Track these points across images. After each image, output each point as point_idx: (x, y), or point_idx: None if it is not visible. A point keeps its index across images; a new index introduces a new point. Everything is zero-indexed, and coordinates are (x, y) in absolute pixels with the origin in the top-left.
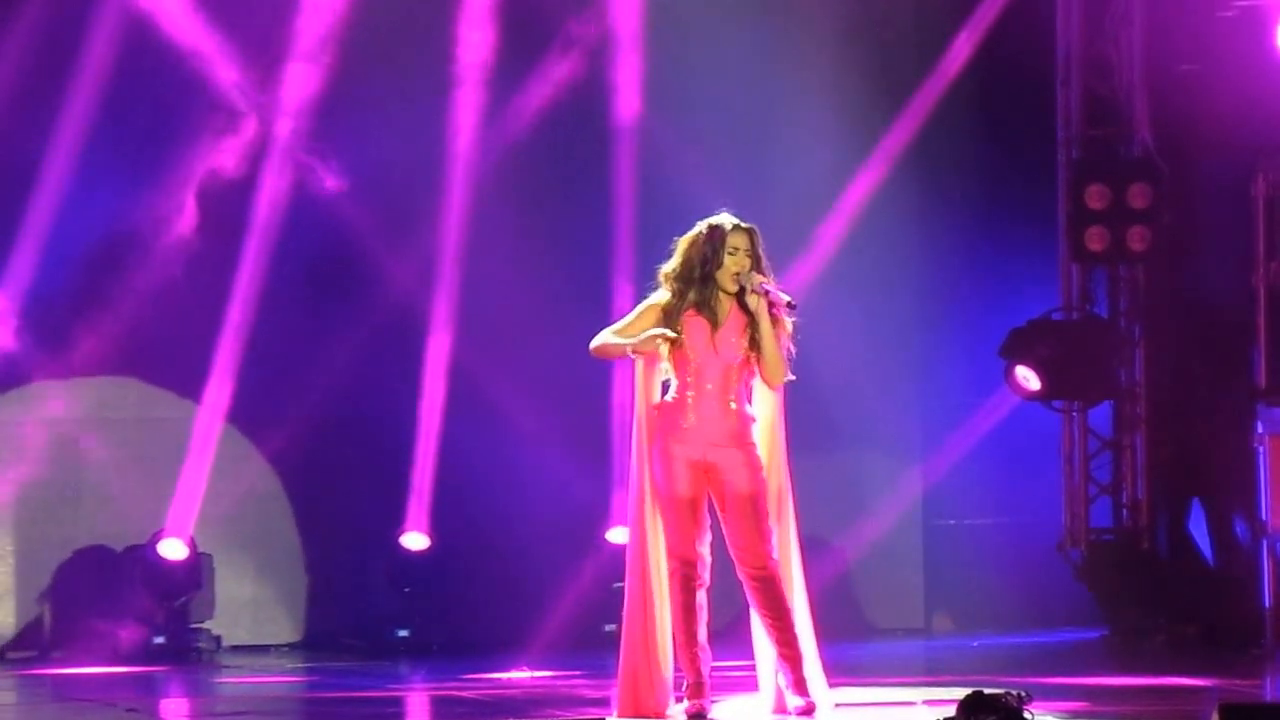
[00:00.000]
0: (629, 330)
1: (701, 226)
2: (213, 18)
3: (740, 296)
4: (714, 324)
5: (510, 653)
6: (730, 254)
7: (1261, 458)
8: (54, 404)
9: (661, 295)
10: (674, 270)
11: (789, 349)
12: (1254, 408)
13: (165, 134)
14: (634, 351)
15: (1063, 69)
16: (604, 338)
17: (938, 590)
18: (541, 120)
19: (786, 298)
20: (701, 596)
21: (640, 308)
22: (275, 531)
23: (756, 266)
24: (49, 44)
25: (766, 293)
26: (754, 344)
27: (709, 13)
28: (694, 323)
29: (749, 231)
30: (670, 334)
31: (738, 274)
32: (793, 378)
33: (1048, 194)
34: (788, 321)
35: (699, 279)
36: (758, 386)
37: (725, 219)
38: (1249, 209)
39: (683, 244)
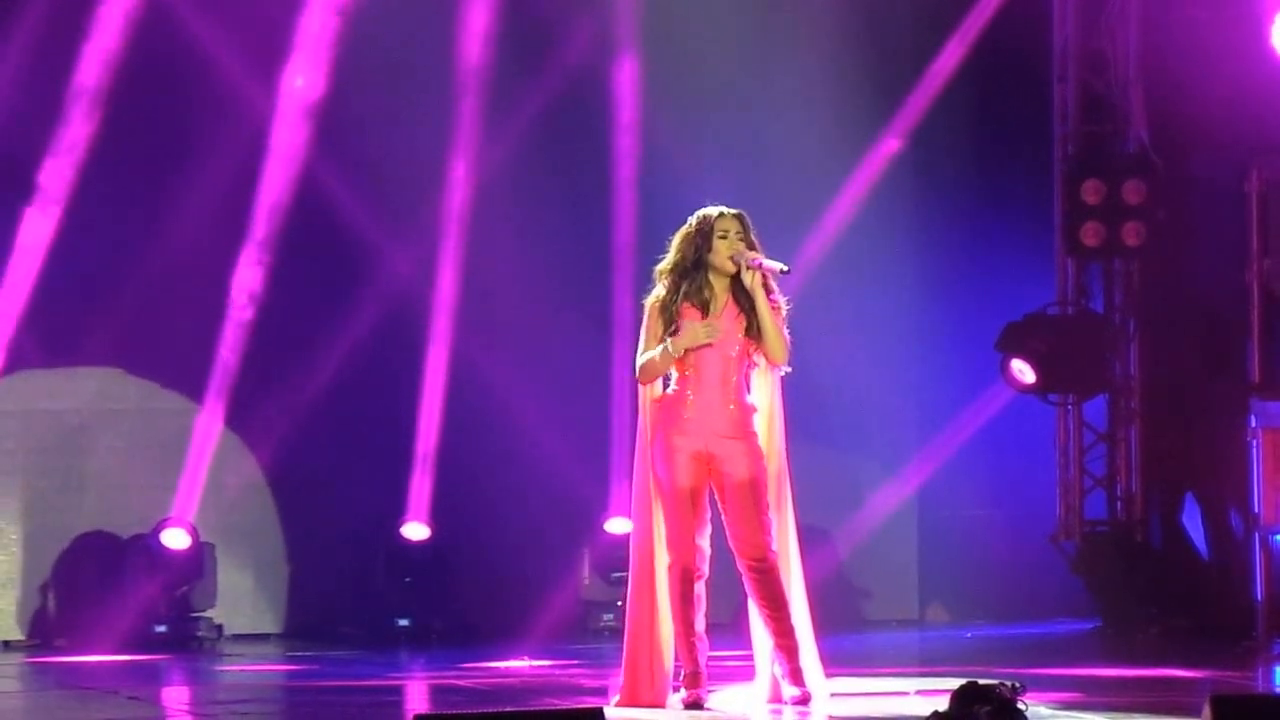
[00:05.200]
0: (649, 340)
1: (692, 219)
2: (216, 14)
3: (734, 284)
4: (706, 312)
5: (510, 642)
6: (721, 237)
7: (1254, 451)
8: (58, 393)
9: (658, 291)
10: (668, 265)
11: (785, 335)
12: (1247, 402)
13: (167, 127)
14: (674, 348)
15: (1059, 65)
16: (644, 361)
17: (932, 581)
18: (542, 116)
19: (780, 265)
20: (700, 587)
21: (646, 315)
22: (276, 521)
23: (750, 249)
24: (53, 36)
25: (760, 265)
26: (750, 330)
27: (707, 10)
28: (689, 314)
29: (738, 216)
30: (714, 327)
31: (732, 255)
32: (789, 369)
33: (1043, 189)
34: (783, 305)
35: (691, 268)
36: (755, 376)
37: (714, 208)
38: (1243, 205)
39: (675, 240)
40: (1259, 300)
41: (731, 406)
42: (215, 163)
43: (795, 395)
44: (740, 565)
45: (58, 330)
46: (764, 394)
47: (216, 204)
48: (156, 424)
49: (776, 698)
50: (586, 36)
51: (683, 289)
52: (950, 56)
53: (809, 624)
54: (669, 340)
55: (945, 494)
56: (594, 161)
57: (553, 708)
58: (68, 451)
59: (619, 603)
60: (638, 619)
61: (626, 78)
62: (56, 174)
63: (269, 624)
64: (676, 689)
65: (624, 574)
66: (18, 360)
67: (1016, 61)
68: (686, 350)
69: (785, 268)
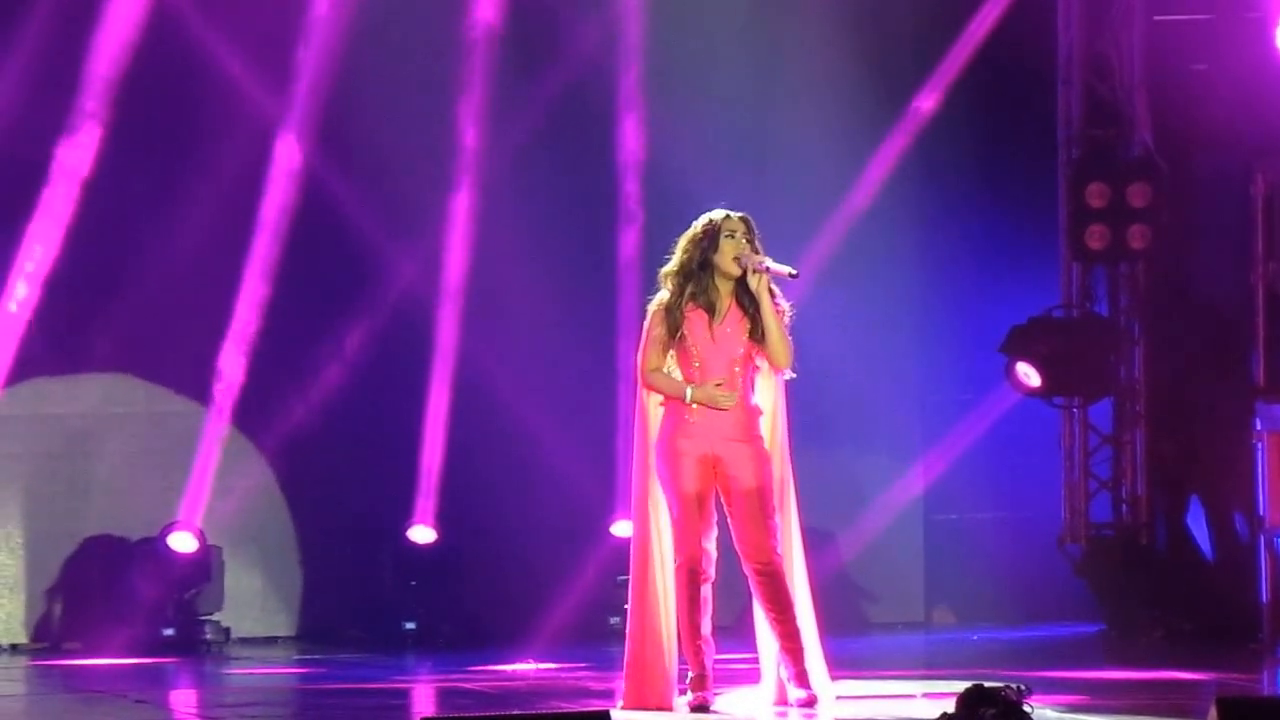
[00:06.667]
0: (651, 344)
1: (697, 223)
2: (219, 19)
3: (739, 287)
4: (712, 314)
5: (516, 645)
6: (728, 236)
7: (1259, 454)
8: (64, 398)
9: (662, 295)
10: (673, 268)
11: (789, 340)
12: (1252, 405)
13: (173, 131)
14: (689, 397)
15: (1063, 69)
16: (657, 381)
17: (938, 584)
18: (547, 117)
19: (788, 269)
20: (706, 590)
21: (649, 318)
22: (283, 524)
23: (754, 253)
24: (57, 44)
25: (766, 269)
26: (754, 333)
27: (710, 11)
28: (694, 316)
29: (744, 219)
30: (731, 397)
31: (737, 256)
32: (793, 375)
33: (1048, 193)
34: (786, 310)
35: (696, 269)
36: (759, 379)
37: (719, 210)
38: (1248, 208)
39: (681, 242)
40: (1264, 303)
41: (738, 409)
42: (221, 166)
43: (800, 398)
44: (746, 569)
45: (64, 335)
46: (768, 397)
47: (222, 207)
48: (163, 428)
49: (782, 700)
50: (591, 38)
51: (688, 291)
52: (955, 60)
53: (814, 626)
54: (689, 387)
55: (950, 497)
56: (599, 163)
57: (560, 710)
58: (74, 456)
59: (625, 605)
60: (638, 621)
61: (631, 79)
62: (62, 178)
63: (276, 627)
64: (683, 692)
65: (629, 577)
66: (24, 365)
67: (1021, 65)
68: (692, 353)
69: (793, 271)
